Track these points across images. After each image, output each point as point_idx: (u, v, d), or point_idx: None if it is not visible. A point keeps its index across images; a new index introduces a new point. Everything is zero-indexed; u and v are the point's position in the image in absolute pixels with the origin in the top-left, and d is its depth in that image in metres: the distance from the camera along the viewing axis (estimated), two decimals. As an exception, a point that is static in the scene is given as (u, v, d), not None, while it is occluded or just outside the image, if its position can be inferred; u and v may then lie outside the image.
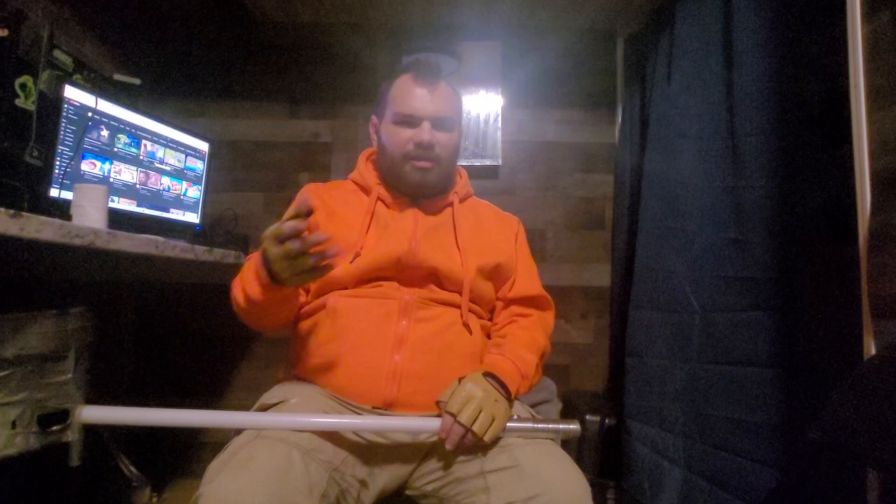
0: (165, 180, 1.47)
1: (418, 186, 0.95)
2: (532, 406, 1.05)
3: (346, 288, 0.90)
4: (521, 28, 1.84)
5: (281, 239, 0.70)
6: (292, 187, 1.77)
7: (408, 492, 0.84)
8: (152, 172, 1.42)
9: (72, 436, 0.97)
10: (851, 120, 0.78)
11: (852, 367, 0.70)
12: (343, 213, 0.95)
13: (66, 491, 1.22)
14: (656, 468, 1.27)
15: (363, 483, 0.77)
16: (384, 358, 0.84)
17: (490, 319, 1.00)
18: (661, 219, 1.37)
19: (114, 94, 1.40)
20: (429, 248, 0.92)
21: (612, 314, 1.77)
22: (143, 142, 1.39)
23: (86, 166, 1.24)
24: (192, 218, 1.57)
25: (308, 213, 0.70)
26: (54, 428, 0.96)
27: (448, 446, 0.75)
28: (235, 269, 1.01)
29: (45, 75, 1.21)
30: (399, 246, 0.90)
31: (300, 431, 0.73)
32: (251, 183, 1.83)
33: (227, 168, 1.81)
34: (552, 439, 0.80)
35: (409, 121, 0.92)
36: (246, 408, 0.82)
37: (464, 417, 0.74)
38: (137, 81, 1.52)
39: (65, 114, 1.18)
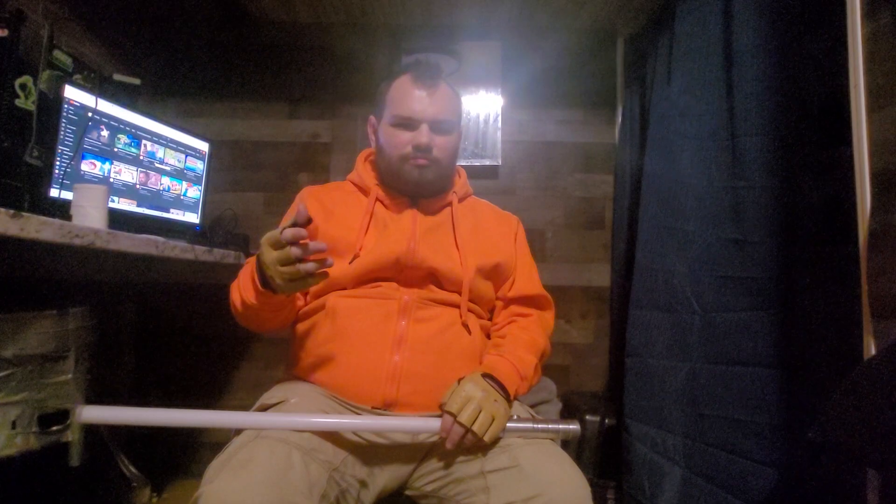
0: (165, 180, 1.47)
1: (416, 185, 0.94)
2: (532, 406, 1.05)
3: (346, 288, 0.90)
4: (521, 28, 1.84)
5: (278, 245, 0.70)
6: (292, 187, 1.77)
7: (408, 492, 0.84)
8: (152, 172, 1.42)
9: (72, 436, 0.97)
10: (851, 120, 0.78)
11: (852, 367, 0.70)
12: (341, 214, 0.95)
13: (66, 491, 1.22)
14: (656, 468, 1.27)
15: (363, 483, 0.77)
16: (384, 358, 0.84)
17: (490, 319, 1.00)
18: (661, 219, 1.37)
19: (114, 94, 1.40)
20: (428, 249, 0.92)
21: (612, 314, 1.77)
22: (143, 142, 1.39)
23: (86, 166, 1.24)
24: (192, 218, 1.57)
25: (307, 221, 0.71)
26: (54, 428, 0.96)
27: (448, 446, 0.75)
28: (235, 269, 1.01)
29: (45, 75, 1.21)
30: (398, 246, 0.90)
31: (300, 431, 0.73)
32: (251, 183, 1.83)
33: (227, 168, 1.81)
34: (552, 439, 0.80)
35: (407, 123, 0.92)
36: (246, 408, 0.82)
37: (463, 417, 0.74)
38: (137, 81, 1.52)
39: (65, 114, 1.18)
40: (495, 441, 0.77)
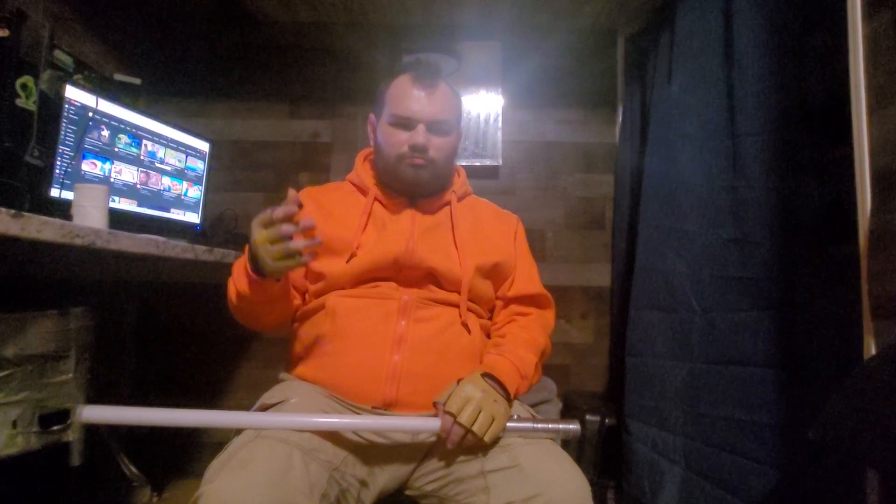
0: (166, 180, 1.47)
1: (412, 184, 0.94)
2: (532, 406, 1.05)
3: (345, 288, 0.90)
4: (521, 28, 1.84)
5: (268, 223, 0.72)
6: (292, 187, 1.76)
7: (408, 492, 0.84)
8: (153, 172, 1.43)
9: (72, 435, 0.97)
10: (851, 120, 0.78)
11: (852, 367, 0.70)
12: (340, 214, 0.95)
13: (66, 491, 1.22)
14: (656, 468, 1.27)
15: (363, 483, 0.77)
16: (383, 358, 0.84)
17: (490, 318, 1.00)
18: (661, 219, 1.37)
19: (114, 94, 1.40)
20: (426, 248, 0.92)
21: (612, 314, 1.77)
22: (144, 142, 1.39)
23: (86, 166, 1.24)
24: (193, 218, 1.57)
25: (298, 205, 0.73)
26: (55, 428, 0.96)
27: (448, 447, 0.75)
28: (235, 269, 1.01)
29: (45, 75, 1.21)
30: (396, 246, 0.90)
31: (300, 431, 0.73)
32: (251, 183, 1.83)
33: (227, 168, 1.81)
34: (552, 439, 0.80)
35: (405, 123, 0.92)
36: (246, 408, 0.82)
37: (463, 418, 0.74)
38: (138, 81, 1.52)
39: (65, 114, 1.18)
40: (495, 441, 0.77)
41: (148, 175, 1.41)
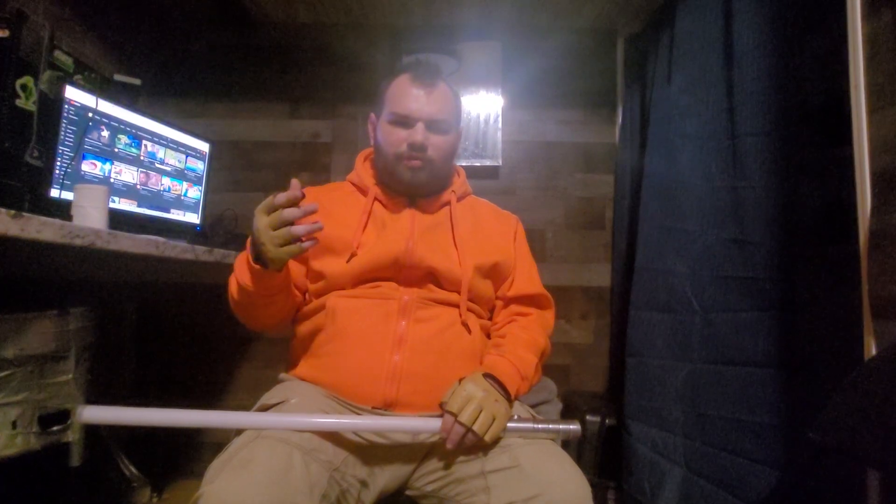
0: (166, 181, 1.47)
1: (410, 185, 0.95)
2: (532, 406, 1.05)
3: (345, 288, 0.90)
4: (521, 28, 1.84)
5: (271, 209, 0.73)
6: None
7: (408, 492, 0.84)
8: (153, 173, 1.43)
9: (72, 436, 0.97)
10: (851, 120, 0.78)
11: (852, 367, 0.70)
12: (339, 213, 0.95)
13: (66, 491, 1.22)
14: (656, 468, 1.27)
15: (363, 483, 0.77)
16: (384, 358, 0.84)
17: (490, 319, 1.00)
18: (661, 219, 1.37)
19: (114, 94, 1.40)
20: (426, 248, 0.92)
21: (612, 314, 1.77)
22: (144, 142, 1.39)
23: (86, 167, 1.24)
24: (193, 218, 1.57)
25: (301, 194, 0.74)
26: (55, 428, 0.96)
27: (449, 446, 0.75)
28: (235, 269, 1.01)
29: (45, 76, 1.21)
30: (396, 246, 0.90)
31: (301, 432, 0.73)
32: (251, 183, 1.83)
33: (227, 168, 1.81)
34: (552, 439, 0.80)
35: (404, 121, 0.92)
36: (246, 408, 0.82)
37: (464, 417, 0.74)
38: (138, 82, 1.52)
39: (65, 114, 1.18)
40: (496, 441, 0.77)
41: (148, 175, 1.41)
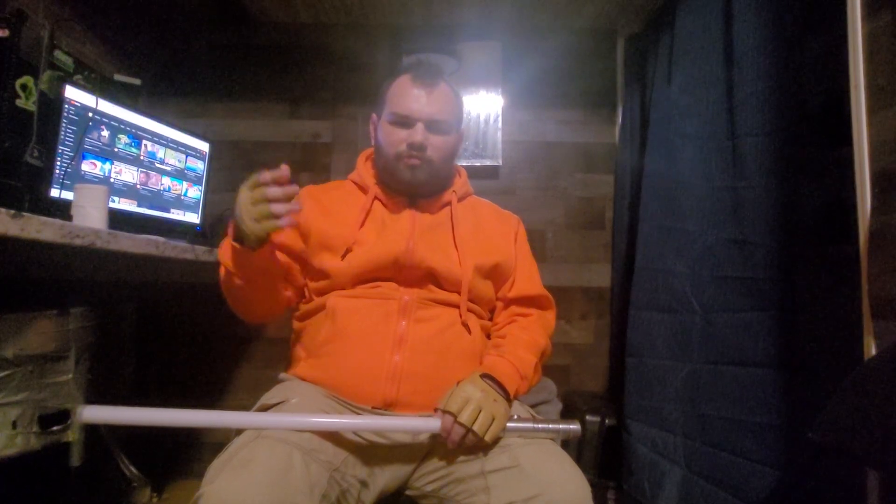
0: (166, 180, 1.47)
1: (409, 184, 0.95)
2: (532, 406, 1.05)
3: (346, 289, 0.90)
4: (521, 28, 1.84)
5: (254, 186, 0.74)
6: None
7: (408, 492, 0.84)
8: (153, 173, 1.43)
9: (72, 436, 0.97)
10: (851, 120, 0.78)
11: (852, 367, 0.70)
12: (339, 211, 0.95)
13: (66, 491, 1.22)
14: (656, 468, 1.27)
15: (364, 483, 0.77)
16: (384, 358, 0.84)
17: (490, 319, 1.00)
18: (661, 219, 1.37)
19: (114, 94, 1.40)
20: (426, 248, 0.92)
21: (612, 314, 1.77)
22: (144, 142, 1.39)
23: (86, 166, 1.24)
24: (193, 218, 1.57)
25: (288, 177, 0.76)
26: (55, 428, 0.96)
27: (449, 446, 0.75)
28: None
29: (45, 76, 1.21)
30: (396, 246, 0.90)
31: (301, 432, 0.73)
32: (251, 183, 1.83)
33: (227, 168, 1.81)
34: (552, 439, 0.80)
35: (404, 121, 0.92)
36: (246, 408, 0.82)
37: (464, 417, 0.74)
38: (138, 82, 1.52)
39: (65, 114, 1.18)
40: (496, 441, 0.77)
41: (148, 175, 1.41)
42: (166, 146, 1.46)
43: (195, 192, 1.58)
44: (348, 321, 0.87)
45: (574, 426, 0.79)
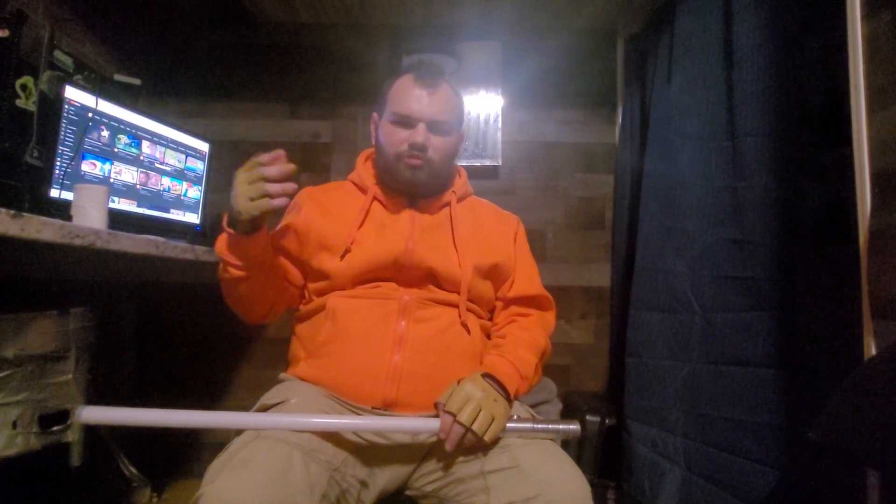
0: (166, 181, 1.47)
1: (410, 184, 0.95)
2: (532, 406, 1.05)
3: (345, 289, 0.90)
4: (521, 28, 1.84)
5: (251, 166, 0.77)
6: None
7: (408, 492, 0.84)
8: (153, 173, 1.43)
9: (72, 436, 0.97)
10: (851, 120, 0.78)
11: (852, 367, 0.70)
12: (338, 211, 0.95)
13: (66, 491, 1.22)
14: (656, 468, 1.27)
15: (363, 483, 0.77)
16: (384, 358, 0.84)
17: (490, 319, 1.00)
18: (661, 219, 1.37)
19: (114, 94, 1.40)
20: (425, 249, 0.92)
21: (612, 314, 1.77)
22: (144, 142, 1.39)
23: (86, 167, 1.24)
24: (193, 218, 1.57)
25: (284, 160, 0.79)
26: (55, 428, 0.96)
27: (448, 446, 0.75)
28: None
29: (45, 76, 1.21)
30: (395, 246, 0.90)
31: (300, 432, 0.73)
32: (251, 183, 1.83)
33: (227, 168, 1.80)
34: (552, 439, 0.80)
35: (405, 121, 0.92)
36: (246, 408, 0.82)
37: (463, 417, 0.74)
38: (138, 82, 1.52)
39: (65, 114, 1.18)
40: (495, 441, 0.77)
41: (148, 175, 1.41)
42: (166, 146, 1.46)
43: (195, 193, 1.58)
44: (348, 321, 0.87)
45: (574, 426, 0.79)
